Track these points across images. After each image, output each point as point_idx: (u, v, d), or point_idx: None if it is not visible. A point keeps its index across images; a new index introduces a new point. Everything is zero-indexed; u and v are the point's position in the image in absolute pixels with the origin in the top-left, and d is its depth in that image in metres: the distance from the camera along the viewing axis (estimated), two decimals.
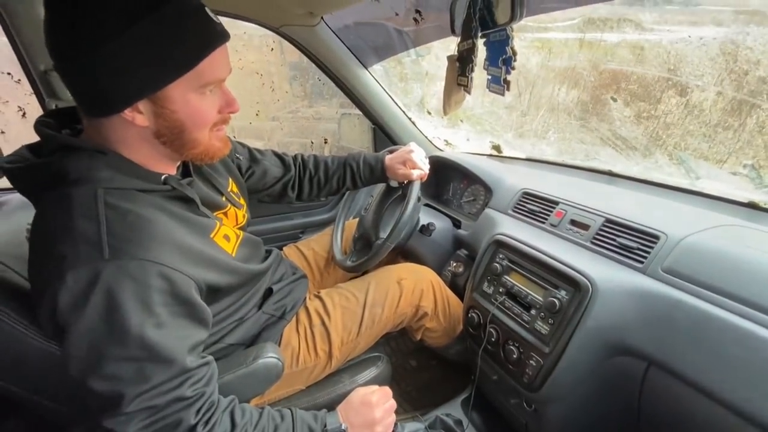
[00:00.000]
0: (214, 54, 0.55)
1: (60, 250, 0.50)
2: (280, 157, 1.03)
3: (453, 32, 0.77)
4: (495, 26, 0.68)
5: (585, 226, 0.89)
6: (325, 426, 0.66)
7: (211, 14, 0.56)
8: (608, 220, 0.85)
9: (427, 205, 1.41)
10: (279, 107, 1.76)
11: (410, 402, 1.22)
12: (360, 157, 1.07)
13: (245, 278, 0.74)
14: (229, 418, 0.59)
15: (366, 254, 1.03)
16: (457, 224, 1.28)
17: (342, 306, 0.93)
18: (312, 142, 1.84)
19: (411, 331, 1.07)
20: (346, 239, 1.22)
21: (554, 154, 1.55)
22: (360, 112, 1.52)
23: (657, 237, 0.76)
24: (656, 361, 0.69)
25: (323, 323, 0.90)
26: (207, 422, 0.56)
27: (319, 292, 0.97)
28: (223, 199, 0.76)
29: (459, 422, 1.01)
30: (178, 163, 0.68)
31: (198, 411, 0.56)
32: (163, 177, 0.60)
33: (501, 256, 0.95)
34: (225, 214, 0.76)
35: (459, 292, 1.12)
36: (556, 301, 0.78)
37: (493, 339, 0.90)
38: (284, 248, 1.17)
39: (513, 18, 0.63)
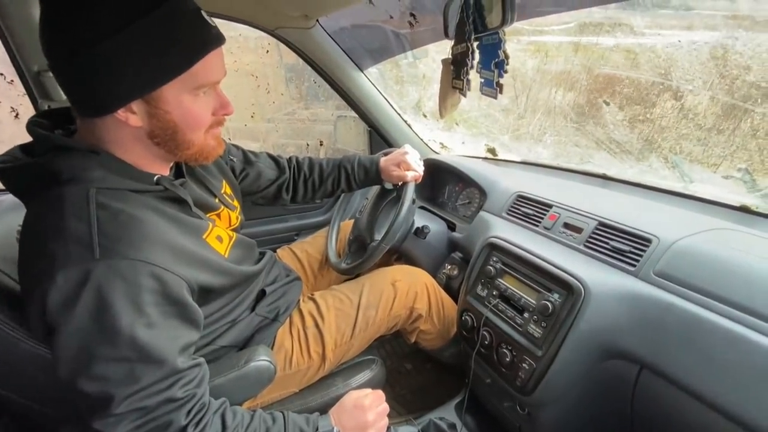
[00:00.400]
0: (209, 56, 0.55)
1: (51, 249, 0.50)
2: (275, 160, 1.03)
3: (446, 35, 0.78)
4: (486, 30, 0.68)
5: (578, 229, 0.89)
6: (317, 429, 0.66)
7: (207, 17, 0.56)
8: (601, 224, 0.86)
9: (422, 207, 1.41)
10: (274, 109, 1.76)
11: (404, 405, 1.22)
12: (355, 159, 1.07)
13: (238, 280, 0.74)
14: (220, 420, 0.59)
15: (361, 256, 1.03)
16: (451, 227, 1.29)
17: (336, 308, 0.93)
18: (308, 144, 1.84)
19: (405, 333, 1.06)
20: (340, 242, 1.22)
21: (550, 156, 1.56)
22: (356, 115, 1.52)
23: (649, 240, 0.76)
24: (648, 365, 0.69)
25: (317, 325, 0.89)
26: (197, 424, 0.56)
27: (312, 294, 0.97)
28: (216, 200, 0.75)
29: (453, 426, 1.01)
30: (171, 164, 0.67)
31: (189, 412, 0.55)
32: (155, 178, 0.60)
33: (495, 258, 0.95)
34: (218, 215, 0.75)
35: (453, 294, 1.12)
36: (549, 304, 0.78)
37: (486, 342, 0.89)
38: (278, 250, 1.17)
39: (504, 22, 0.64)
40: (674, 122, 1.20)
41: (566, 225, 0.92)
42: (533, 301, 0.82)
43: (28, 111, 1.09)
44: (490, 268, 0.94)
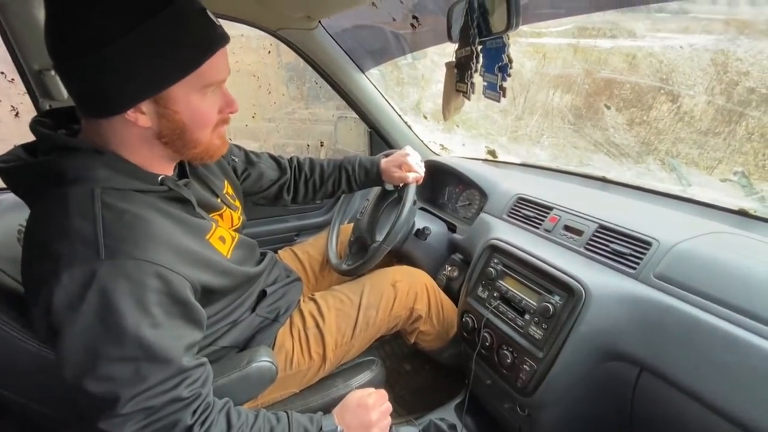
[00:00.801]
0: (216, 56, 0.56)
1: (55, 249, 0.50)
2: (276, 160, 1.03)
3: (450, 39, 0.78)
4: (490, 34, 0.69)
5: (579, 232, 0.89)
6: (321, 428, 0.66)
7: (212, 16, 0.56)
8: (601, 226, 0.86)
9: (422, 209, 1.41)
10: (275, 108, 1.76)
11: (404, 406, 1.22)
12: (356, 160, 1.07)
13: (240, 280, 0.74)
14: (225, 420, 0.59)
15: (362, 257, 1.03)
16: (452, 228, 1.29)
17: (336, 308, 0.93)
18: (308, 145, 1.84)
19: (405, 334, 1.07)
20: (341, 243, 1.22)
21: (548, 158, 1.57)
22: (356, 116, 1.52)
23: (649, 243, 0.77)
24: (648, 366, 0.69)
25: (317, 326, 0.89)
26: (203, 423, 0.56)
27: (313, 295, 0.97)
28: (219, 200, 0.75)
29: (453, 427, 1.01)
30: (175, 164, 0.68)
31: (194, 412, 0.55)
32: (160, 178, 0.60)
33: (496, 260, 0.95)
34: (220, 215, 0.75)
35: (454, 296, 1.12)
36: (549, 306, 0.79)
37: (487, 343, 0.90)
38: (279, 251, 1.17)
39: (509, 26, 0.64)
40: (671, 125, 1.21)
41: (567, 227, 0.92)
42: (534, 303, 0.83)
43: (28, 110, 1.08)
44: (491, 269, 0.94)
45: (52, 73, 0.98)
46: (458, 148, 1.67)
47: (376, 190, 1.20)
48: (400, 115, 1.53)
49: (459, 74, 0.80)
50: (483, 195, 1.22)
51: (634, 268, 0.76)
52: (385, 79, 1.65)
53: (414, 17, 1.03)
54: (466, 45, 0.75)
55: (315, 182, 1.06)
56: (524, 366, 0.81)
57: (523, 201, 1.07)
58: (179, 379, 0.54)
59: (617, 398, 0.76)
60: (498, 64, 0.70)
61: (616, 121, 1.34)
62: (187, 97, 0.55)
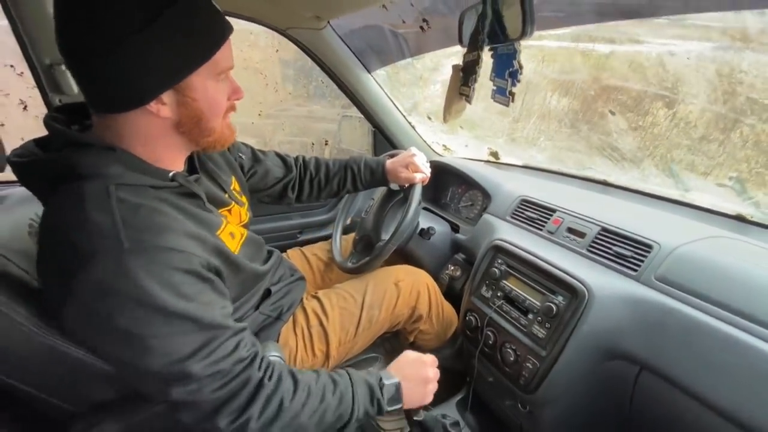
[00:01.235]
0: (226, 43, 0.58)
1: (78, 245, 0.50)
2: (282, 158, 1.04)
3: (461, 43, 0.80)
4: (506, 40, 0.70)
5: (581, 234, 0.91)
6: (381, 380, 0.68)
7: (217, 6, 0.58)
8: (604, 229, 0.88)
9: (425, 208, 1.43)
10: (282, 107, 1.75)
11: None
12: (361, 160, 1.09)
13: (247, 276, 0.75)
14: (290, 376, 0.61)
15: (367, 256, 1.05)
16: (455, 228, 1.31)
17: (340, 306, 0.94)
18: (312, 143, 1.85)
19: (405, 333, 1.08)
20: (345, 241, 1.24)
21: (545, 161, 1.58)
22: (361, 115, 1.54)
23: (650, 246, 0.79)
24: (648, 366, 0.72)
25: (321, 323, 0.90)
26: (271, 377, 0.59)
27: (316, 293, 0.98)
28: (227, 196, 0.76)
29: (456, 423, 1.03)
30: (185, 159, 0.68)
31: (259, 367, 0.58)
32: (171, 174, 0.61)
33: (500, 261, 0.97)
34: (229, 211, 0.76)
35: (456, 295, 1.14)
36: (553, 306, 0.81)
37: (490, 342, 0.92)
38: (288, 251, 1.18)
39: (524, 33, 0.66)
40: (668, 129, 1.23)
41: (570, 230, 0.94)
42: (537, 303, 0.85)
43: (36, 104, 1.08)
44: (495, 270, 0.96)
45: (63, 67, 0.99)
46: (461, 149, 1.68)
47: (381, 190, 1.21)
48: (404, 116, 1.54)
49: (464, 78, 0.81)
50: (486, 196, 1.24)
51: (636, 270, 0.78)
52: (391, 80, 1.66)
53: (424, 20, 1.04)
54: (474, 50, 0.76)
55: (320, 181, 1.07)
56: (527, 364, 0.83)
57: (526, 203, 1.09)
58: (236, 340, 0.57)
59: (617, 396, 0.78)
60: (509, 69, 0.71)
61: (617, 126, 1.36)
62: (204, 85, 0.57)
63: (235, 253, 0.70)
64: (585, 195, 1.14)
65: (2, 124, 1.18)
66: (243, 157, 0.92)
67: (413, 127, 1.58)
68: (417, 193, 1.03)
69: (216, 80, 0.58)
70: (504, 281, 0.94)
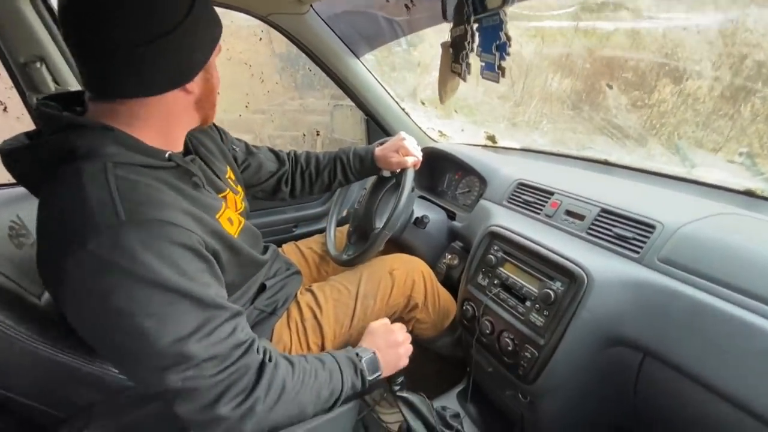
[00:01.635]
0: None
1: (76, 220, 0.49)
2: (275, 153, 1.04)
3: (444, 18, 0.75)
4: (485, 10, 0.65)
5: (580, 216, 0.87)
6: (358, 354, 0.71)
7: None
8: (604, 210, 0.84)
9: (421, 197, 1.39)
10: (269, 99, 1.71)
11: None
12: (350, 149, 1.07)
13: (247, 262, 0.73)
14: (284, 358, 0.62)
15: (362, 247, 1.02)
16: (451, 216, 1.27)
17: (334, 299, 0.92)
18: (304, 134, 1.81)
19: (402, 322, 1.06)
20: (340, 234, 1.21)
21: (547, 144, 1.53)
22: (352, 103, 1.49)
23: (653, 226, 0.75)
24: (652, 352, 0.68)
25: (315, 317, 0.89)
26: (270, 360, 0.59)
27: (310, 286, 0.96)
28: (221, 182, 0.75)
29: (456, 415, 1.01)
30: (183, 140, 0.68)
31: (258, 350, 0.59)
32: (167, 154, 0.60)
33: (496, 247, 0.93)
34: (225, 197, 0.75)
35: (454, 284, 1.11)
36: (551, 292, 0.77)
37: (487, 331, 0.89)
38: (283, 246, 1.17)
39: (505, 1, 0.61)
40: (674, 107, 1.17)
41: (568, 212, 0.90)
42: (535, 290, 0.81)
43: (16, 104, 1.06)
44: (491, 256, 0.93)
45: (38, 65, 0.96)
46: (457, 134, 1.64)
47: (372, 178, 1.18)
48: (397, 102, 1.50)
49: (454, 54, 0.77)
50: (482, 181, 1.20)
51: (638, 252, 0.74)
52: (380, 64, 1.60)
53: None
54: (460, 24, 0.72)
55: (311, 173, 1.06)
56: (525, 353, 0.80)
57: (523, 186, 1.05)
58: (233, 324, 0.56)
59: (620, 384, 0.75)
60: (495, 42, 0.66)
61: (619, 102, 1.30)
62: (215, 62, 0.62)
63: (234, 237, 0.68)
64: (585, 176, 1.10)
65: None
66: (236, 149, 0.92)
67: (407, 113, 1.53)
68: (409, 178, 1.00)
69: (216, 58, 0.63)
70: (500, 268, 0.90)
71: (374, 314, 0.94)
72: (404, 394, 0.79)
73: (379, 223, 1.05)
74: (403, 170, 1.02)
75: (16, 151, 0.54)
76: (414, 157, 1.02)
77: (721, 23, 0.98)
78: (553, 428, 0.89)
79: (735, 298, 0.60)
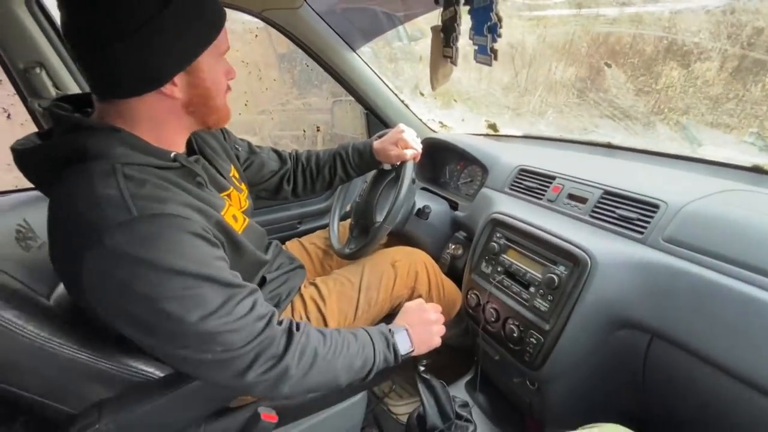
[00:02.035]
0: (224, 25, 0.60)
1: (89, 218, 0.51)
2: (277, 153, 1.05)
3: (436, 1, 0.74)
4: None
5: (583, 200, 0.86)
6: (390, 330, 0.73)
7: None
8: (606, 192, 0.83)
9: (423, 188, 1.38)
10: (268, 98, 1.71)
11: (414, 385, 1.22)
12: (349, 145, 1.07)
13: (250, 260, 0.74)
14: (315, 329, 0.66)
15: (364, 240, 1.02)
16: (454, 206, 1.26)
17: (337, 291, 0.92)
18: (304, 131, 1.81)
19: None
20: (343, 228, 1.21)
21: (553, 131, 1.51)
22: (352, 98, 1.49)
23: (657, 206, 0.73)
24: (659, 333, 0.67)
25: (319, 309, 0.89)
26: (299, 327, 0.62)
27: (314, 280, 0.96)
28: (225, 181, 0.76)
29: (465, 404, 1.01)
30: (185, 141, 0.69)
31: (280, 322, 0.61)
32: (172, 154, 0.61)
33: (498, 234, 0.93)
34: (229, 196, 0.76)
35: (458, 274, 1.10)
36: (554, 277, 0.76)
37: (492, 319, 0.88)
38: (287, 242, 1.17)
39: None
40: (681, 91, 1.14)
41: (571, 196, 0.89)
42: (539, 275, 0.80)
43: (20, 111, 1.08)
44: (494, 244, 0.92)
45: (37, 70, 0.97)
46: (458, 125, 1.62)
47: (373, 172, 1.17)
48: (396, 94, 1.49)
49: (445, 38, 0.76)
50: (484, 170, 1.19)
51: (642, 233, 0.73)
52: (378, 56, 1.59)
53: None
54: (450, 6, 0.71)
55: (312, 171, 1.06)
56: (531, 339, 0.79)
57: (524, 172, 1.04)
58: (252, 299, 0.59)
59: (628, 367, 0.74)
60: (487, 24, 0.65)
61: (627, 87, 1.27)
62: (210, 65, 0.59)
63: (239, 233, 0.70)
64: (587, 159, 1.08)
65: None
66: (239, 148, 0.93)
67: (407, 105, 1.52)
68: (409, 170, 0.99)
69: (217, 60, 0.60)
70: (503, 255, 0.90)
71: (378, 305, 0.94)
72: (428, 377, 0.81)
73: (380, 217, 1.05)
74: (403, 163, 1.01)
75: (29, 151, 0.56)
76: (413, 149, 1.01)
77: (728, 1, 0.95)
78: (561, 414, 0.88)
79: (742, 274, 0.59)
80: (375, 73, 1.42)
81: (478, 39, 0.70)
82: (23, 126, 1.10)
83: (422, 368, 0.81)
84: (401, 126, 1.04)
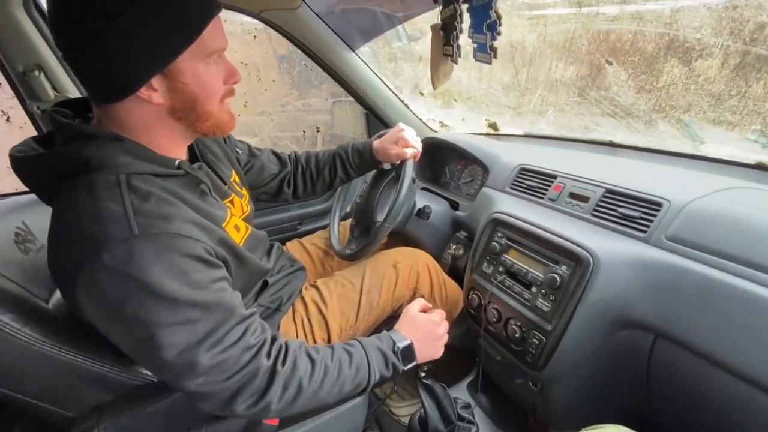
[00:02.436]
0: (213, 23, 0.55)
1: (90, 232, 0.50)
2: (277, 155, 1.04)
3: (435, 0, 0.74)
4: None
5: (585, 198, 0.85)
6: (395, 344, 0.69)
7: None
8: (608, 191, 0.82)
9: (424, 188, 1.38)
10: (268, 100, 1.71)
11: (416, 387, 1.21)
12: (348, 145, 1.07)
13: (252, 270, 0.73)
14: (306, 355, 0.62)
15: (364, 240, 1.01)
16: (455, 206, 1.26)
17: (338, 293, 0.92)
18: (304, 132, 1.81)
19: None
20: (344, 229, 1.21)
21: (554, 130, 1.50)
22: (351, 98, 1.48)
23: (660, 204, 0.73)
24: (663, 333, 0.66)
25: (320, 311, 0.88)
26: (284, 362, 0.59)
27: (315, 282, 0.96)
28: (227, 187, 0.75)
29: (467, 405, 1.00)
30: (186, 148, 0.68)
31: (269, 354, 0.58)
32: (176, 162, 0.60)
33: (499, 234, 0.92)
34: (231, 202, 0.75)
35: (460, 274, 1.10)
36: (556, 276, 0.76)
37: (494, 319, 0.87)
38: (287, 243, 1.17)
39: None
40: (683, 90, 1.13)
41: (572, 195, 0.88)
42: (540, 275, 0.80)
43: (19, 114, 1.08)
44: (495, 244, 0.91)
45: (36, 73, 0.97)
46: (458, 124, 1.61)
47: (373, 172, 1.17)
48: (395, 94, 1.48)
49: (445, 37, 0.75)
50: (485, 169, 1.18)
51: (645, 231, 0.72)
52: (377, 56, 1.59)
53: None
54: (449, 4, 0.70)
55: (312, 172, 1.06)
56: (533, 339, 0.79)
57: (525, 171, 1.03)
58: (243, 327, 0.57)
59: (632, 367, 0.73)
60: (486, 22, 0.65)
61: (628, 85, 1.26)
62: (194, 68, 0.55)
63: (240, 245, 0.69)
64: (589, 158, 1.07)
65: None
66: (240, 151, 0.93)
67: (406, 105, 1.52)
68: (409, 169, 0.98)
69: (205, 63, 0.56)
70: (505, 255, 0.89)
71: (380, 307, 0.94)
72: (428, 382, 0.81)
73: (380, 217, 1.04)
74: (403, 162, 1.01)
75: (30, 160, 0.55)
76: (413, 148, 1.01)
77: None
78: (565, 415, 0.88)
79: (746, 272, 0.58)
80: (374, 73, 1.42)
81: (477, 37, 0.69)
82: (22, 129, 1.10)
83: (423, 373, 0.80)
84: (401, 125, 1.03)
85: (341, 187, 1.27)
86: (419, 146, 1.02)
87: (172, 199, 0.57)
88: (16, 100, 1.03)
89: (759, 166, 0.83)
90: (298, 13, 1.17)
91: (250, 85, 1.54)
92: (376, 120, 1.52)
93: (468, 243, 1.16)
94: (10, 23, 0.93)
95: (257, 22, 1.22)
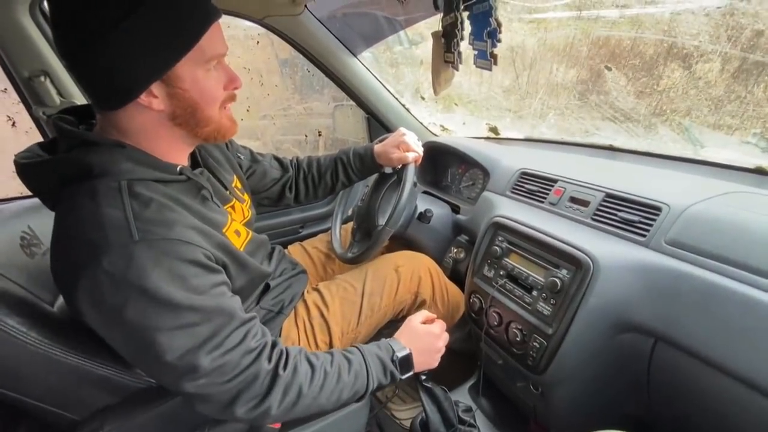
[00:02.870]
0: (212, 29, 0.56)
1: (90, 238, 0.51)
2: (279, 160, 1.05)
3: (435, 7, 0.75)
4: None
5: (585, 203, 0.86)
6: (394, 353, 0.70)
7: None
8: (609, 195, 0.83)
9: (425, 192, 1.39)
10: (270, 103, 1.73)
11: (417, 390, 1.21)
12: (350, 149, 1.07)
13: (253, 275, 0.74)
14: (306, 360, 0.63)
15: (366, 244, 1.02)
16: (456, 210, 1.26)
17: (340, 297, 0.92)
18: (306, 135, 1.82)
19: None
20: (345, 232, 1.21)
21: (555, 134, 1.51)
22: (353, 102, 1.49)
23: (659, 209, 0.73)
24: (663, 336, 0.67)
25: (322, 315, 0.89)
26: (285, 366, 0.60)
27: (317, 285, 0.96)
28: (228, 193, 0.76)
29: (469, 409, 1.00)
30: (188, 154, 0.68)
31: (269, 358, 0.59)
32: (178, 168, 0.61)
33: (500, 238, 0.92)
34: (232, 207, 0.76)
35: (461, 278, 1.10)
36: (557, 280, 0.76)
37: (495, 323, 0.88)
38: (289, 246, 1.17)
39: None
40: (683, 93, 1.14)
41: (572, 199, 0.89)
42: (541, 279, 0.80)
43: (25, 119, 1.09)
44: (496, 248, 0.92)
45: (42, 79, 0.98)
46: (459, 128, 1.62)
47: (374, 176, 1.18)
48: (397, 98, 1.49)
49: (446, 44, 0.76)
50: (485, 173, 1.19)
51: (644, 236, 0.73)
52: (378, 61, 1.60)
53: None
54: (450, 11, 0.71)
55: (314, 177, 1.06)
56: (534, 343, 0.79)
57: (526, 175, 1.04)
58: (243, 331, 0.57)
59: (633, 371, 0.74)
60: (486, 29, 0.66)
61: (621, 85, 1.27)
62: (193, 74, 0.55)
63: (240, 250, 0.69)
64: (589, 162, 1.08)
65: None
66: (242, 157, 0.93)
67: (408, 109, 1.53)
68: (410, 173, 0.99)
69: (205, 69, 0.56)
70: (506, 259, 0.89)
71: (381, 311, 0.94)
72: (429, 385, 0.81)
73: (382, 220, 1.05)
74: (404, 166, 1.02)
75: (35, 165, 0.56)
76: (414, 152, 1.01)
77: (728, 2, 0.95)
78: (566, 418, 0.88)
79: (745, 277, 0.58)
80: (376, 78, 1.43)
81: (478, 44, 0.70)
82: (28, 134, 1.11)
83: (424, 377, 0.80)
84: (402, 129, 1.04)
85: (343, 190, 1.28)
86: (420, 150, 1.03)
87: (173, 205, 0.57)
88: (21, 105, 1.04)
89: (759, 171, 0.83)
90: (300, 18, 1.18)
91: (252, 89, 1.55)
92: (378, 124, 1.53)
93: (469, 246, 1.16)
94: (16, 29, 0.94)
95: (260, 27, 1.23)
